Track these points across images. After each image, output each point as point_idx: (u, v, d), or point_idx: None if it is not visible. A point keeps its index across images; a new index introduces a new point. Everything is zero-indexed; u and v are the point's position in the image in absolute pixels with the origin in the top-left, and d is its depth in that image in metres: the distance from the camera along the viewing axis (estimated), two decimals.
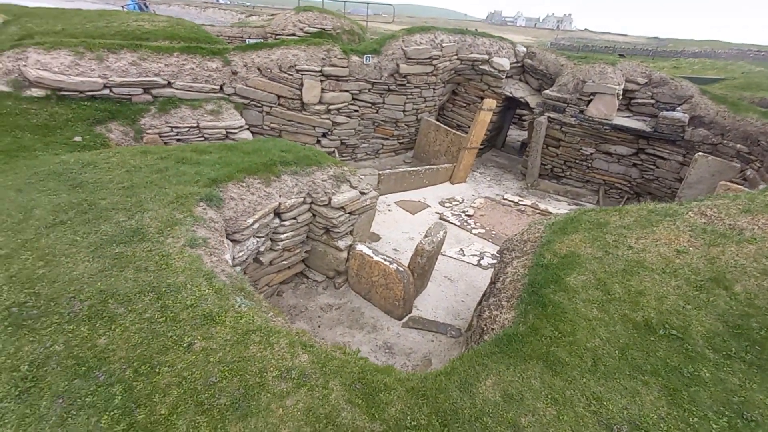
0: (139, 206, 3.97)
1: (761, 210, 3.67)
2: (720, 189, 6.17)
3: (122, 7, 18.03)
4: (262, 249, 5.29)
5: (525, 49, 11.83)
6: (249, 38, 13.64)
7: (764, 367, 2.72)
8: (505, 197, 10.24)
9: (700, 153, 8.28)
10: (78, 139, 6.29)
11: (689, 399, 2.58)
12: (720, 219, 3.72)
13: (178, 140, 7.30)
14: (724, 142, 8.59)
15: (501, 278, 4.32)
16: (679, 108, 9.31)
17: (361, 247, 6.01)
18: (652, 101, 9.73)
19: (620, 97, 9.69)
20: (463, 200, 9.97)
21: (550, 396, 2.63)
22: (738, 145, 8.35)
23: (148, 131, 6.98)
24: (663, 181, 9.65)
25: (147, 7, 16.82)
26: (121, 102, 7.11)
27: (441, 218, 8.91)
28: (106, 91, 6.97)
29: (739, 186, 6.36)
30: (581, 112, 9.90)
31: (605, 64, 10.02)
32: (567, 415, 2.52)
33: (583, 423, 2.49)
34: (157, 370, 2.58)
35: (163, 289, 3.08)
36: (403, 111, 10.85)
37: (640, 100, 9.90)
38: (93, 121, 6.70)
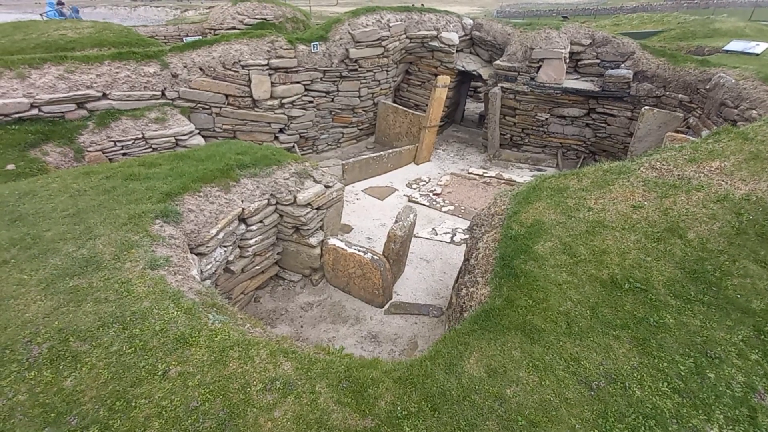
0: (89, 233, 3.71)
1: (705, 158, 3.88)
2: (667, 140, 6.49)
3: (41, 15, 16.55)
4: (231, 258, 5.12)
5: (472, 22, 11.82)
6: (187, 36, 12.89)
7: (721, 306, 2.92)
8: (470, 171, 10.36)
9: (646, 107, 8.64)
10: (11, 167, 5.80)
11: (657, 346, 2.74)
12: (669, 171, 3.91)
13: (124, 155, 6.87)
14: (667, 93, 9.00)
15: (474, 254, 4.39)
16: (622, 65, 9.64)
17: (333, 241, 5.95)
18: (598, 61, 10.02)
19: (567, 60, 9.91)
20: (430, 179, 10.02)
21: (531, 364, 2.72)
22: (680, 95, 8.77)
23: (89, 149, 6.52)
24: (615, 138, 10.05)
25: (77, 12, 15.42)
26: (53, 121, 6.58)
27: (410, 200, 8.94)
28: (35, 111, 6.42)
29: (684, 135, 6.72)
30: (532, 79, 10.07)
31: (550, 29, 10.18)
32: (548, 380, 2.62)
33: (564, 384, 2.59)
34: (134, 403, 2.46)
35: (128, 318, 2.92)
36: (359, 96, 10.66)
37: (586, 61, 10.17)
38: (25, 145, 6.18)
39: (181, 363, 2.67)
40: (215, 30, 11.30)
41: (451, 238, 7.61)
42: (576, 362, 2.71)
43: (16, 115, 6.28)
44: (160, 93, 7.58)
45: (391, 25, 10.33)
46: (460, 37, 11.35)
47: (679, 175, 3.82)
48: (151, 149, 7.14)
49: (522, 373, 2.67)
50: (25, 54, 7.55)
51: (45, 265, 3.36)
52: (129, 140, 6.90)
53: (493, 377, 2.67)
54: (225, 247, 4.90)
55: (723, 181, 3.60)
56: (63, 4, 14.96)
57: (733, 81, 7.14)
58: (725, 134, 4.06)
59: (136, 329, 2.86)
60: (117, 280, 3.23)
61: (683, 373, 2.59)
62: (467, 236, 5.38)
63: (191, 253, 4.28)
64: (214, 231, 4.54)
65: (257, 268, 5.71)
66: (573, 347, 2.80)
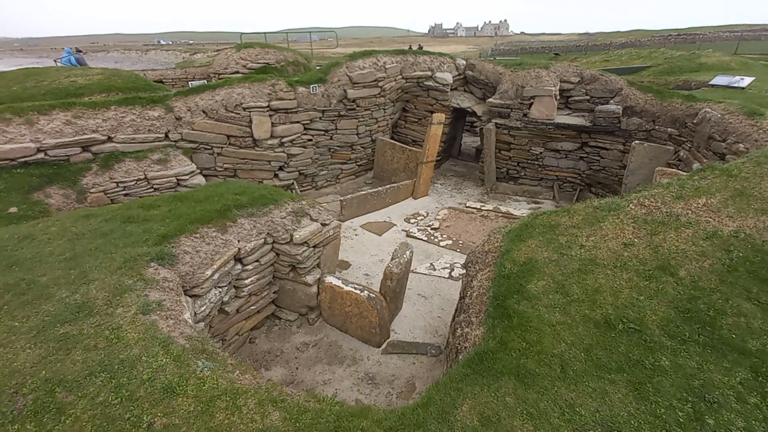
0: (83, 278, 3.74)
1: (692, 195, 3.93)
2: (657, 175, 6.59)
3: (54, 61, 17.36)
4: (226, 298, 5.10)
5: (465, 62, 12.33)
6: (193, 79, 13.47)
7: (717, 347, 2.87)
8: (467, 205, 10.46)
9: (637, 141, 8.84)
10: (14, 210, 5.92)
11: (654, 390, 2.68)
12: (657, 208, 3.95)
13: (126, 195, 7.02)
14: (657, 127, 9.23)
15: (468, 293, 4.37)
16: (611, 101, 9.95)
17: (330, 279, 5.93)
18: (587, 97, 10.35)
19: (558, 97, 10.25)
20: (428, 214, 10.10)
21: (525, 411, 2.65)
22: (669, 129, 8.98)
23: (92, 191, 6.67)
24: (609, 170, 10.20)
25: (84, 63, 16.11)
26: (58, 164, 6.78)
27: (408, 235, 8.97)
28: (41, 155, 6.63)
29: (673, 170, 6.82)
30: (525, 115, 10.37)
31: (539, 68, 10.59)
32: (543, 429, 2.54)
33: None
34: None
35: (116, 367, 2.89)
36: (357, 134, 10.96)
37: (576, 98, 10.51)
38: (29, 188, 6.34)
39: (167, 414, 2.61)
40: (219, 74, 11.81)
41: (450, 273, 7.57)
42: (571, 409, 2.63)
43: (22, 159, 6.48)
44: (163, 135, 7.83)
45: (387, 67, 10.78)
46: (453, 77, 11.80)
47: (667, 212, 3.86)
48: (152, 189, 7.30)
49: (516, 422, 2.60)
50: (36, 100, 7.88)
51: (37, 311, 3.36)
52: (131, 181, 7.07)
53: (487, 426, 2.59)
54: (220, 287, 4.89)
55: (711, 218, 3.64)
56: (81, 51, 15.74)
57: (719, 116, 7.34)
58: (710, 171, 4.14)
59: (124, 378, 2.82)
60: (108, 326, 3.22)
61: (682, 420, 2.51)
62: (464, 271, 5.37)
63: (186, 294, 4.28)
64: (209, 272, 4.55)
65: (253, 308, 5.66)
66: (568, 392, 2.74)
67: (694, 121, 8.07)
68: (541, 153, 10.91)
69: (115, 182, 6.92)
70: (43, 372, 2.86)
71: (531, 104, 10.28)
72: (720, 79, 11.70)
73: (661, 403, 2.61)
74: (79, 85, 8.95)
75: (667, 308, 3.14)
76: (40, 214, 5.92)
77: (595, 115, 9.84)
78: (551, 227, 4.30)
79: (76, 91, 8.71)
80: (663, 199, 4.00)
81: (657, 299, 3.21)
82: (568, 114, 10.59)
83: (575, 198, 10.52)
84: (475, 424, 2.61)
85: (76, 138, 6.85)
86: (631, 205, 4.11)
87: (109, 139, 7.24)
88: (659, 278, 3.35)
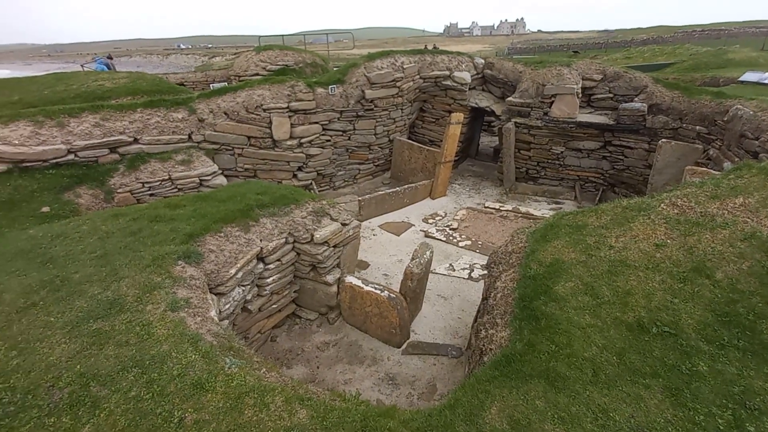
0: (114, 275, 3.84)
1: (727, 194, 3.79)
2: (687, 174, 6.38)
3: (81, 66, 17.93)
4: (249, 297, 5.17)
5: (483, 61, 12.21)
6: (213, 82, 13.72)
7: (758, 352, 2.75)
8: (486, 205, 10.34)
9: (664, 139, 8.58)
10: (46, 209, 6.12)
11: (692, 396, 2.58)
12: (691, 208, 3.82)
13: (151, 195, 7.18)
14: (684, 125, 8.94)
15: (492, 294, 4.31)
16: (636, 98, 9.69)
17: (350, 279, 5.94)
18: (611, 95, 10.11)
19: (580, 95, 10.04)
20: (446, 214, 10.02)
21: (556, 416, 2.59)
22: (697, 127, 8.69)
23: (119, 191, 6.85)
24: (634, 170, 9.93)
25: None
26: (87, 165, 6.99)
27: (426, 235, 8.92)
28: (71, 157, 6.84)
29: (704, 169, 6.59)
30: (545, 114, 10.20)
31: (561, 66, 10.40)
32: None
33: None
34: None
35: (147, 362, 2.95)
36: (375, 134, 10.97)
37: (599, 96, 10.27)
38: (60, 188, 6.55)
39: (197, 410, 2.65)
40: (240, 77, 11.99)
41: (469, 274, 7.49)
42: (605, 414, 2.56)
43: (54, 161, 6.70)
44: (187, 137, 7.99)
45: (405, 67, 10.76)
46: (472, 76, 11.70)
47: (701, 212, 3.72)
48: (176, 189, 7.45)
49: (547, 426, 2.54)
50: (65, 103, 8.16)
51: (71, 307, 3.46)
52: (156, 181, 7.23)
53: (517, 430, 2.54)
54: (243, 286, 4.95)
55: (748, 218, 3.49)
56: (111, 58, 16.25)
57: (751, 113, 7.06)
58: (747, 170, 3.98)
59: (155, 374, 2.87)
60: (138, 322, 3.29)
61: (722, 427, 2.41)
62: (485, 272, 5.30)
63: (210, 293, 4.35)
64: (233, 271, 4.62)
65: (274, 306, 5.72)
66: (601, 397, 2.66)
67: (725, 119, 7.79)
68: (562, 152, 10.71)
69: (141, 182, 7.09)
70: (78, 366, 2.94)
71: (552, 103, 10.10)
72: (749, 76, 11.28)
73: (700, 410, 2.51)
74: (107, 89, 9.22)
75: (703, 312, 3.03)
76: (70, 214, 6.11)
77: (618, 113, 9.60)
78: (578, 228, 4.20)
79: (104, 95, 8.98)
80: (697, 198, 3.86)
81: (693, 302, 3.10)
82: (590, 112, 10.36)
83: (598, 198, 10.29)
84: (505, 428, 2.56)
85: (104, 140, 7.05)
86: (662, 204, 3.98)
87: (136, 141, 7.43)
88: (694, 280, 3.23)
